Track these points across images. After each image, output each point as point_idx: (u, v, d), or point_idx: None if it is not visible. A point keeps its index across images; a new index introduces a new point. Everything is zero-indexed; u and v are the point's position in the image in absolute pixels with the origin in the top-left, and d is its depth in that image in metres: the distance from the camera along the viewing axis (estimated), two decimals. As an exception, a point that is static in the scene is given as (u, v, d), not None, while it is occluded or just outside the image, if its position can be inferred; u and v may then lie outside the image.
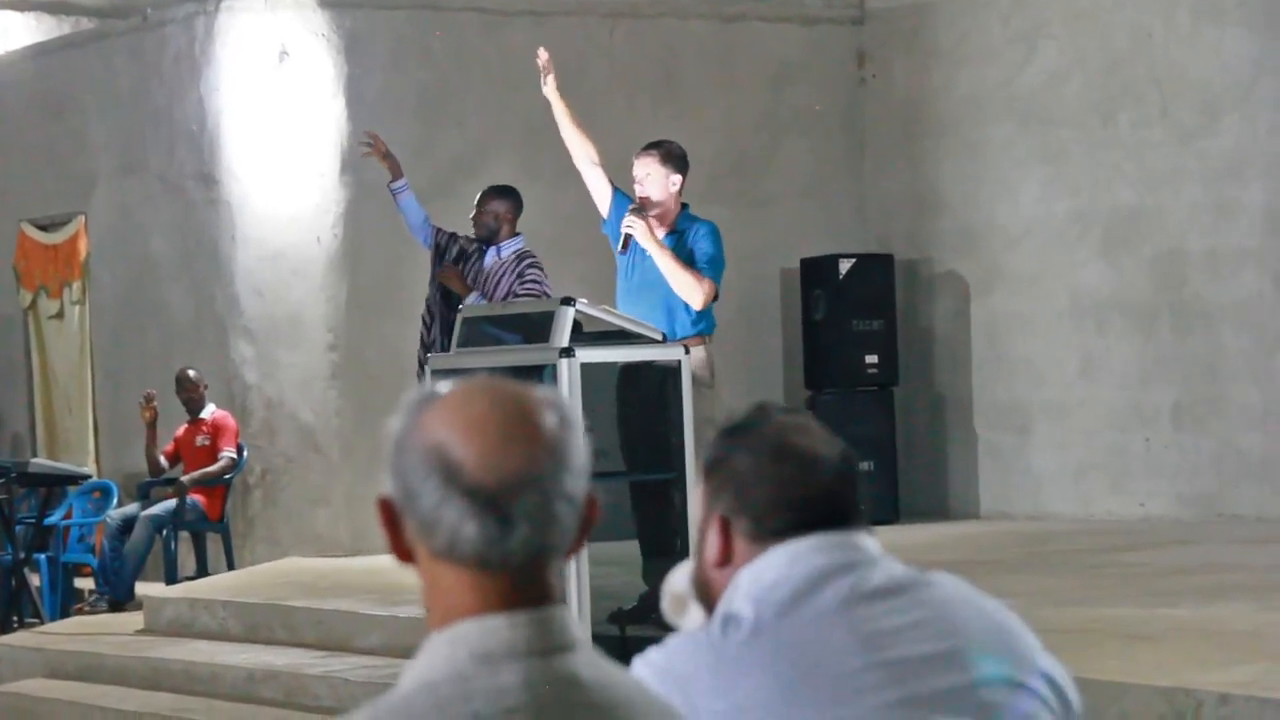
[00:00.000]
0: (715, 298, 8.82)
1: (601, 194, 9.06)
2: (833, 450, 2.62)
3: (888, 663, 2.47)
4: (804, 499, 2.57)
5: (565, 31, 13.73)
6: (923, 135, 14.23)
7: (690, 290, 8.72)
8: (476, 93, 13.42)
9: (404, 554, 2.06)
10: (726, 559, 2.58)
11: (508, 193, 10.54)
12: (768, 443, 2.60)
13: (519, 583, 2.02)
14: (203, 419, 12.92)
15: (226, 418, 12.91)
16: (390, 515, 2.05)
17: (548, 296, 10.05)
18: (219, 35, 13.18)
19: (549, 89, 9.30)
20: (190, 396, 12.93)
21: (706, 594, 2.60)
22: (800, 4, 14.67)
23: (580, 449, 2.06)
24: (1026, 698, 2.53)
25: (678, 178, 8.90)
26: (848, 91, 14.61)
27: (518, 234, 10.43)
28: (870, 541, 2.61)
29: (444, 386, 2.07)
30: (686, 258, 8.80)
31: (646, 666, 2.51)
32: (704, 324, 8.86)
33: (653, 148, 9.00)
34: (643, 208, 8.83)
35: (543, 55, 9.37)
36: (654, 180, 8.87)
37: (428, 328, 10.59)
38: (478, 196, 10.57)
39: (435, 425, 2.02)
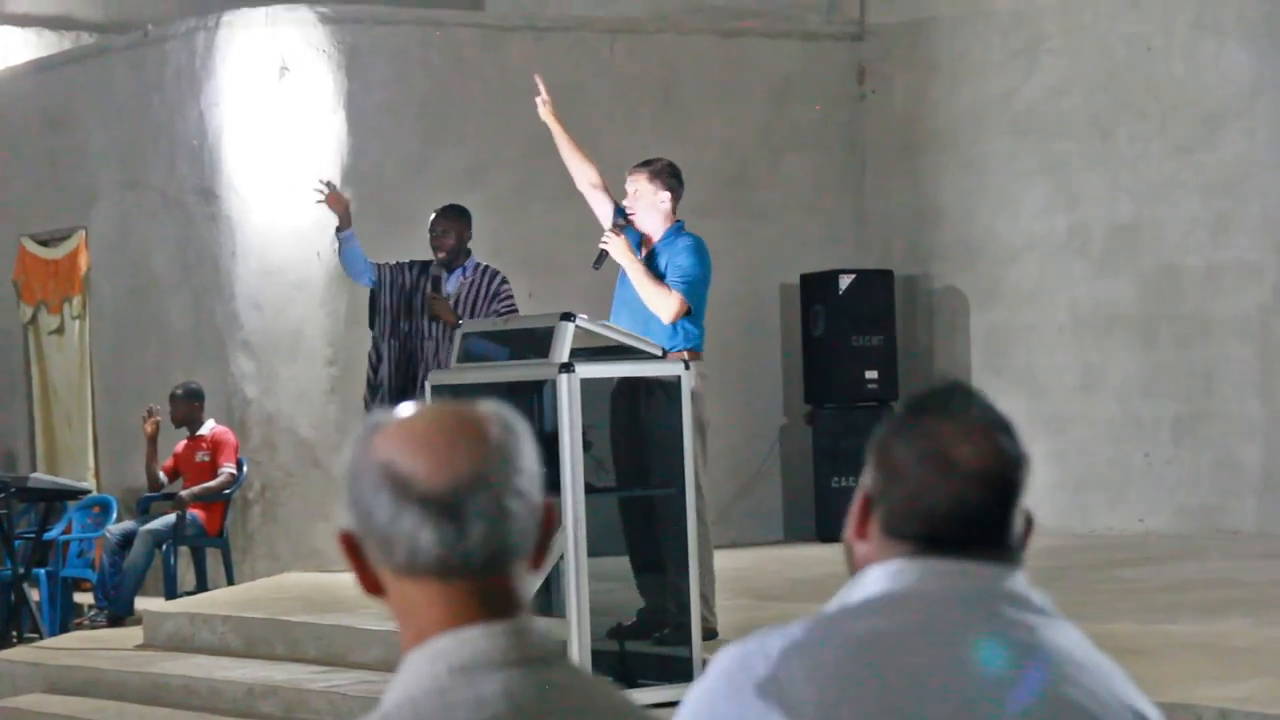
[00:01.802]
0: (689, 312, 8.78)
1: (605, 214, 9.09)
2: (993, 467, 2.43)
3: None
4: (935, 513, 2.41)
5: (565, 47, 13.75)
6: (922, 150, 14.24)
7: (658, 304, 8.73)
8: (476, 107, 13.42)
9: (371, 585, 2.09)
10: (862, 534, 2.47)
11: (464, 211, 10.41)
12: (925, 441, 2.44)
13: (485, 591, 2.03)
14: (202, 435, 12.92)
15: (226, 433, 12.90)
16: (352, 547, 2.08)
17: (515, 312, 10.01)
18: (219, 50, 13.19)
19: (545, 114, 9.35)
20: (181, 414, 12.91)
21: (849, 557, 2.50)
22: (800, 19, 14.68)
23: (529, 455, 2.07)
24: None
25: (665, 195, 8.93)
26: (848, 106, 14.62)
27: (468, 250, 10.33)
28: (1011, 578, 2.42)
29: (388, 414, 2.11)
30: (662, 272, 8.82)
31: (736, 647, 2.39)
32: (685, 340, 8.79)
33: (642, 166, 9.06)
34: (629, 223, 8.89)
35: (540, 83, 9.40)
36: (642, 197, 8.93)
37: (374, 368, 10.33)
38: (433, 219, 10.35)
39: (383, 446, 2.06)
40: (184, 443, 12.95)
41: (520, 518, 2.04)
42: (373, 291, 10.45)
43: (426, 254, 10.50)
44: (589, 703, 2.05)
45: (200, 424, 12.93)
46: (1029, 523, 2.46)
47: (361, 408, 12.92)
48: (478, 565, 2.02)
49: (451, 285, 10.17)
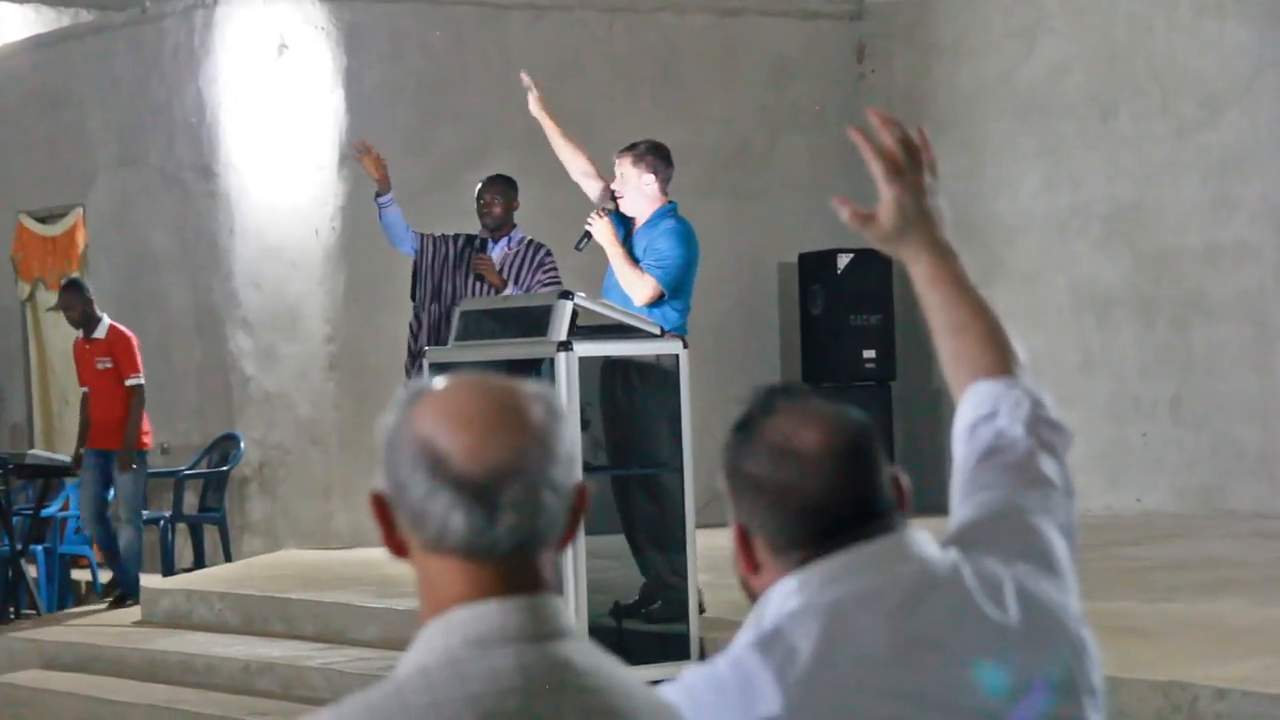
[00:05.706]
0: (662, 296, 8.78)
1: (601, 201, 9.12)
2: (841, 438, 2.40)
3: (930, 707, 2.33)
4: (813, 506, 2.37)
5: (564, 26, 13.73)
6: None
7: (633, 287, 8.76)
8: (475, 86, 13.41)
9: (397, 548, 2.10)
10: (754, 568, 2.41)
11: (510, 180, 10.36)
12: (767, 444, 2.39)
13: (509, 571, 2.06)
14: (97, 338, 12.04)
15: (125, 335, 12.06)
16: (383, 510, 2.09)
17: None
18: (218, 28, 13.17)
19: (535, 108, 9.39)
20: (76, 313, 12.04)
21: (749, 592, 2.45)
22: (800, -2, 14.67)
23: (568, 440, 2.08)
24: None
25: (650, 177, 8.92)
26: (847, 86, 14.60)
27: (514, 222, 10.28)
28: (910, 538, 2.39)
29: (434, 382, 2.10)
30: (640, 254, 8.83)
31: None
32: (664, 323, 8.75)
33: (626, 150, 9.07)
34: (615, 208, 8.92)
35: (526, 78, 9.47)
36: (627, 181, 8.96)
37: (414, 336, 10.18)
38: (480, 187, 10.27)
39: (424, 419, 2.06)
40: (78, 345, 12.14)
41: (551, 509, 2.06)
42: (415, 261, 10.32)
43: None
44: (601, 680, 2.07)
45: (95, 323, 12.08)
46: (900, 484, 2.44)
47: (359, 387, 12.94)
48: (504, 551, 2.04)
49: (496, 255, 10.09)
